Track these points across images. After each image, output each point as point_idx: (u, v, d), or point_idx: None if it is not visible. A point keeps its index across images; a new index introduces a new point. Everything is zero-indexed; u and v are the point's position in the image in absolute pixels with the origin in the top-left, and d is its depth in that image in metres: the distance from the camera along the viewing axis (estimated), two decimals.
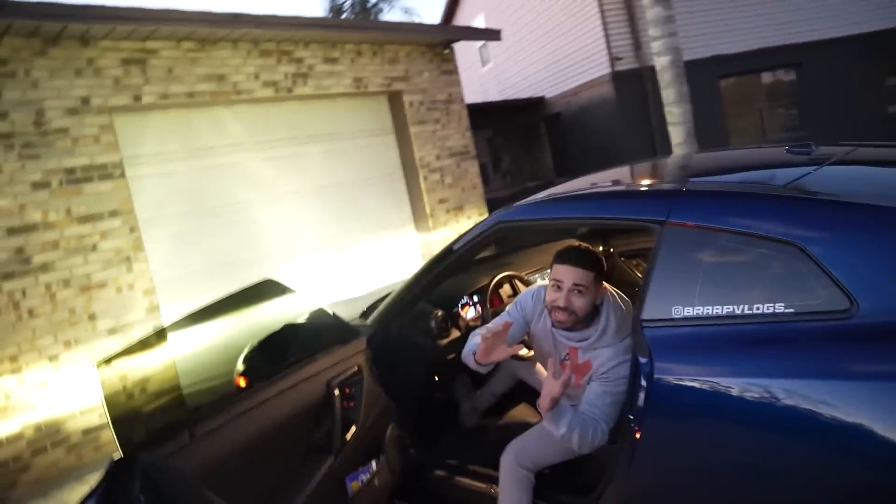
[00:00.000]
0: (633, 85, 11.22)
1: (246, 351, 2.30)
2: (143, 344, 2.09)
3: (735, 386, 1.60)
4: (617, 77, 11.32)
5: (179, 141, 5.95)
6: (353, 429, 2.21)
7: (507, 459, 2.28)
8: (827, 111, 12.46)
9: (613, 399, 2.03)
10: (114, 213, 5.15)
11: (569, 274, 2.09)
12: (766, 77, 13.00)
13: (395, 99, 7.59)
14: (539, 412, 2.05)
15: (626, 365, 1.98)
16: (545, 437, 2.21)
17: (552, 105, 13.51)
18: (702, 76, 11.26)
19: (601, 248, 3.88)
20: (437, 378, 2.96)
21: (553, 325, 2.21)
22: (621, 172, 2.69)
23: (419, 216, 7.86)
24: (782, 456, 1.54)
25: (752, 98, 12.98)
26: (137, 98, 5.45)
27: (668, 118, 6.93)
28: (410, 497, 2.62)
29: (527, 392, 2.85)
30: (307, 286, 6.66)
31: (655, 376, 1.74)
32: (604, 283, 2.18)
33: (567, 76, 12.75)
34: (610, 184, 2.45)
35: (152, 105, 5.62)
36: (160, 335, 2.22)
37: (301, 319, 2.47)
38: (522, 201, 2.46)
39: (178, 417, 2.00)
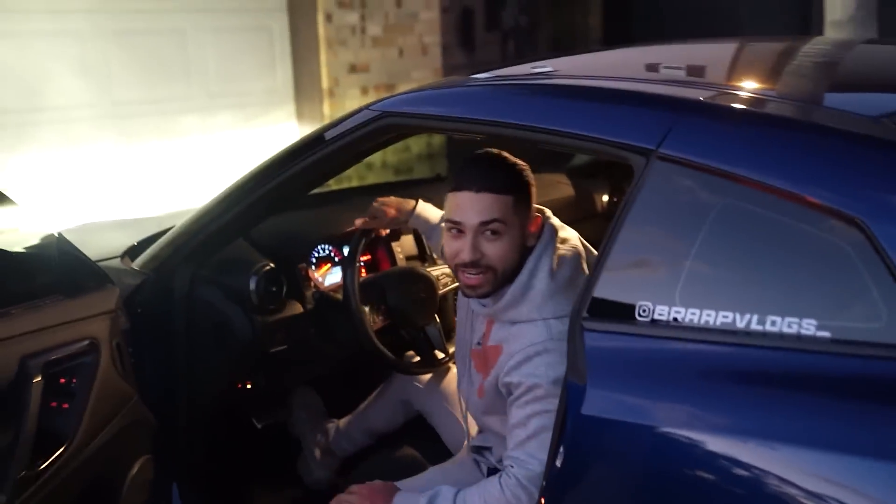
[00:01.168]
0: None
1: None
2: None
3: (733, 453, 1.18)
4: None
5: None
6: (61, 452, 1.65)
7: None
8: None
9: (542, 423, 1.55)
10: None
11: (471, 206, 1.62)
12: None
13: None
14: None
15: (562, 360, 1.49)
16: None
17: None
18: None
19: (607, 197, 3.20)
20: (249, 384, 2.33)
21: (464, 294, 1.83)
22: (641, 53, 2.30)
23: (307, 90, 5.34)
24: None
25: None
26: None
27: None
28: None
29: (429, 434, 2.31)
30: (59, 188, 4.49)
31: (587, 414, 1.31)
32: (540, 210, 1.75)
33: None
34: (602, 73, 1.93)
35: None
36: None
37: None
38: (433, 83, 2.25)
39: None
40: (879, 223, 1.09)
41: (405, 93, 1.92)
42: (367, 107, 1.84)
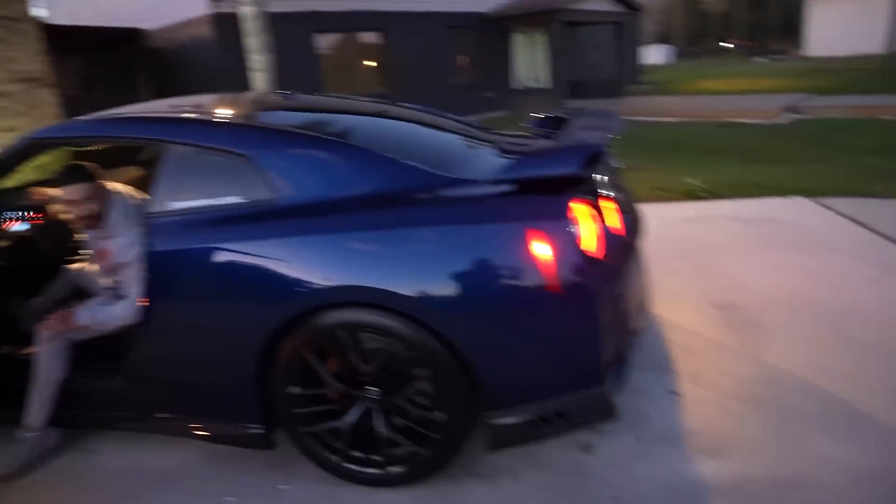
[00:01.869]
0: (236, 28, 11.34)
1: None
2: None
3: (209, 251, 2.26)
4: (219, 19, 11.47)
5: None
6: None
7: (43, 330, 2.59)
8: (408, 74, 14.46)
9: (139, 273, 2.40)
10: None
11: (73, 193, 2.44)
12: (360, 37, 14.48)
13: None
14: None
15: (138, 247, 2.39)
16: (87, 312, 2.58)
17: (155, 39, 13.17)
18: (298, 30, 12.13)
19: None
20: None
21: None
22: (167, 102, 3.12)
23: None
24: (230, 291, 2.28)
25: (347, 55, 14.36)
26: None
27: (252, 65, 7.39)
28: None
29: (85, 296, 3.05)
30: None
31: (155, 251, 2.35)
32: (109, 184, 2.55)
33: (172, 10, 12.46)
34: (145, 110, 2.86)
35: None
36: None
37: None
38: (58, 123, 2.83)
39: None
40: (255, 156, 2.27)
41: (44, 128, 2.72)
42: (21, 137, 2.64)
